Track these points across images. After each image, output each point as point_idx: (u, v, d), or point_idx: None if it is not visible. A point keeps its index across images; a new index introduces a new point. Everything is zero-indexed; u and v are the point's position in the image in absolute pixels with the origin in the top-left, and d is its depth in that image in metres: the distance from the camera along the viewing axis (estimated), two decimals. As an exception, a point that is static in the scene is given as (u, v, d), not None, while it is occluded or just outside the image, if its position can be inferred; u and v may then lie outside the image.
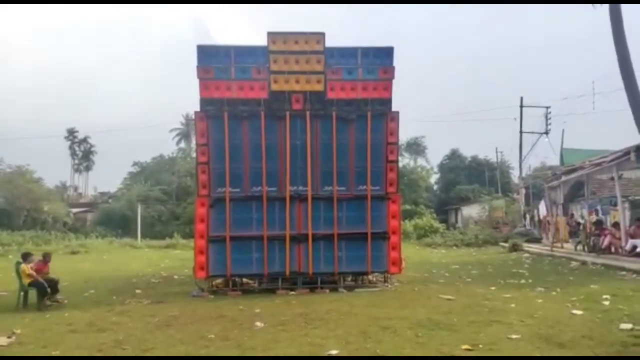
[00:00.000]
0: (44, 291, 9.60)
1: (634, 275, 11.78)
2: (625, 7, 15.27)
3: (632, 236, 15.32)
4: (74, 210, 43.76)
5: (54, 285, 9.92)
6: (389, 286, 11.30)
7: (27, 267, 9.74)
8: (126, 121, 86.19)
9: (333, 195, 11.03)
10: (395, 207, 11.26)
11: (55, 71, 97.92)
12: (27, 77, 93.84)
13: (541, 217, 30.96)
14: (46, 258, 10.56)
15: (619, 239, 15.84)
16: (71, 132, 64.78)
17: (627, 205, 21.26)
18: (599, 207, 24.05)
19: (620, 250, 15.50)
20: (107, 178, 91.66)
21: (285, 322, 7.50)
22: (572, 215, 25.59)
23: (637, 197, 23.17)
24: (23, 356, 6.14)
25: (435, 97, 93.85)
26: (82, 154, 66.60)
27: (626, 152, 14.62)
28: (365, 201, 11.07)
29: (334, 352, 5.76)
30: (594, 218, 20.25)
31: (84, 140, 65.98)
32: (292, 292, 10.58)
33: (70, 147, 65.75)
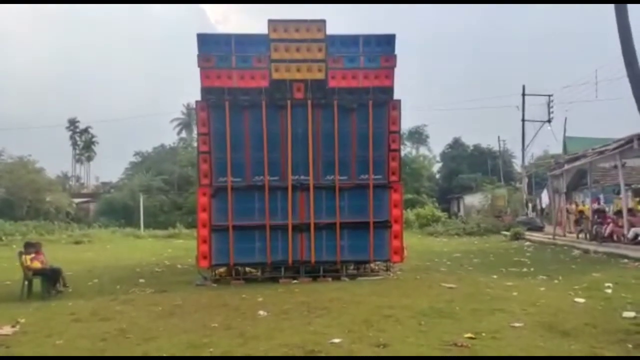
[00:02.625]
0: (47, 281, 9.65)
1: (637, 264, 11.79)
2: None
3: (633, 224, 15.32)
4: (77, 200, 43.77)
5: (56, 275, 9.94)
6: (391, 275, 11.32)
7: (27, 259, 9.79)
8: (127, 111, 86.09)
9: (335, 185, 11.00)
10: (397, 196, 11.23)
11: (55, 60, 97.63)
12: (27, 66, 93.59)
13: (544, 205, 30.95)
14: (35, 247, 10.43)
15: (622, 227, 15.84)
16: (72, 123, 64.81)
17: (629, 193, 21.20)
18: (601, 196, 24.01)
19: (622, 238, 15.49)
20: (108, 168, 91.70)
21: (288, 311, 7.53)
22: (576, 203, 25.55)
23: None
24: (25, 356, 6.15)
25: (437, 85, 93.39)
26: (84, 144, 66.65)
27: (629, 140, 14.57)
28: (367, 190, 11.05)
29: (336, 341, 5.78)
30: (596, 206, 20.23)
31: (85, 130, 66.02)
32: (295, 281, 10.61)
33: (72, 137, 65.81)
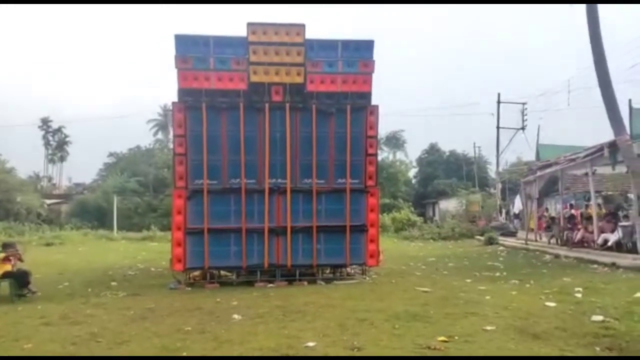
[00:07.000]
0: (16, 283, 9.41)
1: (606, 269, 12.06)
2: (601, 6, 15.48)
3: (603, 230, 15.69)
4: (48, 201, 42.83)
5: (24, 278, 9.66)
6: (367, 278, 11.37)
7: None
8: (102, 111, 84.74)
9: (312, 188, 11.01)
10: (374, 200, 11.30)
11: (28, 57, 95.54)
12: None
13: (516, 211, 31.46)
14: (13, 247, 10.17)
15: (591, 233, 16.20)
16: (45, 122, 63.28)
17: (599, 200, 21.73)
18: (573, 202, 24.57)
19: (592, 244, 15.85)
20: (81, 169, 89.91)
21: (262, 315, 7.48)
22: (547, 209, 26.12)
23: (609, 193, 23.72)
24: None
25: (415, 91, 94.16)
26: (56, 144, 65.19)
27: (600, 148, 14.92)
28: (344, 194, 11.09)
29: (311, 344, 5.77)
30: (567, 212, 20.70)
31: (58, 130, 64.57)
32: (271, 285, 10.56)
33: (44, 137, 64.29)
